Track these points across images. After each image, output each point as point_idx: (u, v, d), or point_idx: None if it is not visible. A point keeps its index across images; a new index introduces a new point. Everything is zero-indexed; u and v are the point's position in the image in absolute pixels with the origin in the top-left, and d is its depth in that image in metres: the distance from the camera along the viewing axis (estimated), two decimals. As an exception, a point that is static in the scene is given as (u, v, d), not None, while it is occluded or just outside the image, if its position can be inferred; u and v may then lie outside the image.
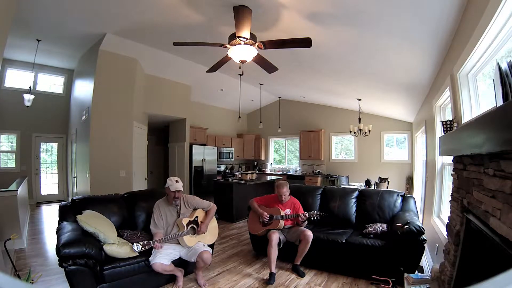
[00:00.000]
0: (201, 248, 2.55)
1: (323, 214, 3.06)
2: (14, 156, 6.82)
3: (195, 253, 2.52)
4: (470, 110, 2.02)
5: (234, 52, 2.83)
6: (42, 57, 5.69)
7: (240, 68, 4.17)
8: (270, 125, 9.06)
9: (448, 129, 2.10)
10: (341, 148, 8.41)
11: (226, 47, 2.86)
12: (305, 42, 2.62)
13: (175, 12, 3.15)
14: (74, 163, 5.93)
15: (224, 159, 8.59)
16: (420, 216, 3.72)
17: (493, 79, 1.15)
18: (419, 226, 2.56)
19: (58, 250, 2.02)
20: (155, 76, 5.99)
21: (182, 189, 2.68)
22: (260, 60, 3.19)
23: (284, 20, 2.94)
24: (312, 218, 3.02)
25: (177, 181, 2.65)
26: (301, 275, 2.92)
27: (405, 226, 2.60)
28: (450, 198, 2.11)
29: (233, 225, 5.10)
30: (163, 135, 8.33)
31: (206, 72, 3.76)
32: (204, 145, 7.72)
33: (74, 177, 5.84)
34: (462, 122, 2.01)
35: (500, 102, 1.06)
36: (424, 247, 2.59)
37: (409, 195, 3.46)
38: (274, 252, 2.85)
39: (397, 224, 2.74)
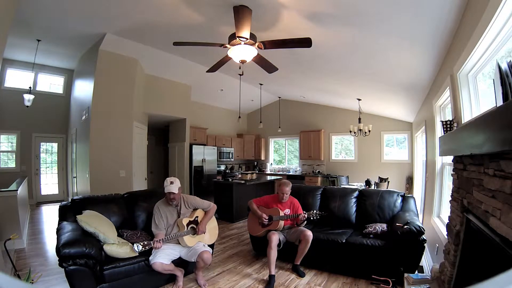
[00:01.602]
0: (201, 248, 2.55)
1: (323, 214, 3.06)
2: (14, 156, 6.82)
3: (195, 253, 2.52)
4: (470, 110, 2.02)
5: (234, 52, 2.83)
6: (42, 57, 5.69)
7: (240, 68, 4.17)
8: (270, 125, 9.06)
9: (448, 129, 2.10)
10: (341, 148, 8.41)
11: (226, 47, 2.86)
12: (305, 42, 2.62)
13: (175, 12, 3.15)
14: (74, 163, 5.93)
15: (224, 159, 8.59)
16: (420, 216, 3.72)
17: (493, 79, 1.15)
18: (419, 226, 2.56)
19: (58, 250, 2.03)
20: (155, 76, 5.99)
21: (175, 191, 2.57)
22: (260, 60, 3.19)
23: (284, 20, 2.94)
24: (311, 218, 3.01)
25: (171, 182, 2.58)
26: (301, 275, 2.92)
27: (405, 226, 2.60)
28: (450, 198, 2.11)
29: (233, 225, 5.10)
30: (163, 135, 8.33)
31: (206, 72, 3.76)
32: (204, 145, 7.71)
33: (74, 177, 5.83)
34: (462, 122, 2.01)
35: (500, 102, 1.06)
36: (424, 247, 2.59)
37: (409, 195, 3.46)
38: (273, 254, 2.84)
39: (397, 224, 2.74)
